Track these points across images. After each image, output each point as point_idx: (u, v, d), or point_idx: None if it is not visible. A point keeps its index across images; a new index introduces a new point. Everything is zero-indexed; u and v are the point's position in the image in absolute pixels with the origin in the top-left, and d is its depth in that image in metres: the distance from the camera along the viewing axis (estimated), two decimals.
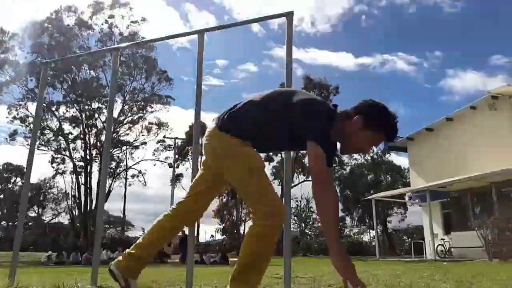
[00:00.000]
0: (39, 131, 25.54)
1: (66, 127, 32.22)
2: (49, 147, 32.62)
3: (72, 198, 36.14)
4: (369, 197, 20.50)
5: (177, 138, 33.46)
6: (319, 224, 35.92)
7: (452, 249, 15.58)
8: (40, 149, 31.16)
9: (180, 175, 37.52)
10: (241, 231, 36.55)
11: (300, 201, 37.33)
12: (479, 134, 14.93)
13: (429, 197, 15.07)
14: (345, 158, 37.82)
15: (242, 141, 2.03)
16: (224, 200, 38.28)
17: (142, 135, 34.44)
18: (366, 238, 37.01)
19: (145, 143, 35.10)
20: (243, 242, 1.98)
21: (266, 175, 2.06)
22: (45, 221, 42.18)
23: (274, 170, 37.68)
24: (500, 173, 12.69)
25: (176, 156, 33.98)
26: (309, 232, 35.32)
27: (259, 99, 2.08)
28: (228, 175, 2.07)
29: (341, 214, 36.86)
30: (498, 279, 3.69)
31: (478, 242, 10.95)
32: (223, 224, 38.23)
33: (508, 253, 9.62)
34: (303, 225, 35.75)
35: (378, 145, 2.20)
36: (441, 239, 16.07)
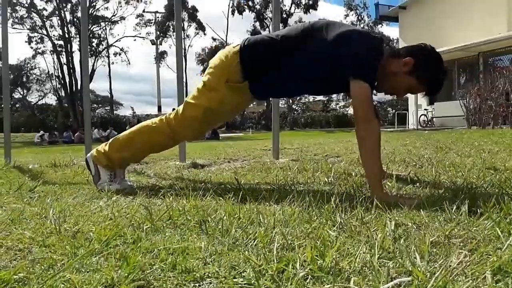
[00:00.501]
0: (10, 8, 23.83)
1: (38, 2, 30.03)
2: (23, 26, 30.82)
3: (56, 79, 35.53)
4: None
5: (157, 12, 31.72)
6: (307, 102, 36.50)
7: (434, 119, 16.20)
8: (14, 28, 29.49)
9: (164, 52, 36.50)
10: None
11: None
12: (471, 3, 14.41)
13: None
14: None
15: (238, 84, 1.94)
16: None
17: (120, 8, 32.46)
18: (351, 111, 37.99)
19: (123, 18, 33.30)
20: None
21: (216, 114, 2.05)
22: (32, 103, 42.02)
23: None
24: (488, 42, 12.57)
25: (158, 32, 32.61)
26: (296, 108, 36.02)
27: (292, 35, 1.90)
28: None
29: None
30: (477, 145, 3.89)
31: (460, 111, 11.31)
32: None
33: (487, 121, 10.05)
34: (290, 101, 36.25)
35: (414, 93, 2.00)
36: (424, 109, 16.59)
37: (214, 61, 2.03)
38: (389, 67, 1.80)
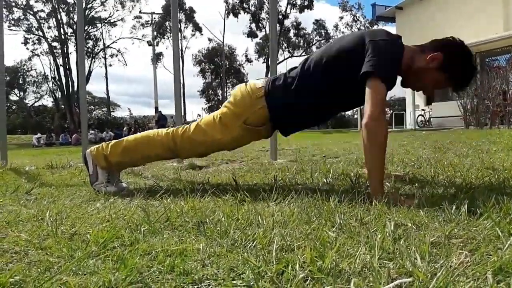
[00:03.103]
0: (5, 9, 23.76)
1: (35, 3, 29.99)
2: (19, 27, 30.76)
3: (53, 80, 35.44)
4: None
5: (154, 13, 31.70)
6: None
7: (431, 119, 16.23)
8: (10, 29, 29.42)
9: (161, 54, 36.48)
10: None
11: None
12: (468, 3, 14.46)
13: None
14: (331, 31, 36.86)
15: (255, 127, 1.93)
16: (209, 79, 38.04)
17: (117, 11, 32.46)
18: (349, 112, 38.07)
19: (121, 19, 33.32)
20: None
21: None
22: (29, 105, 41.89)
23: (257, 47, 36.80)
24: (485, 42, 12.61)
25: (155, 33, 32.59)
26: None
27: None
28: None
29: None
30: (474, 145, 3.90)
31: (457, 112, 11.33)
32: (209, 103, 38.64)
33: (484, 121, 10.07)
34: None
35: (441, 89, 1.94)
36: (422, 109, 16.62)
37: (235, 95, 1.98)
38: (416, 63, 1.75)
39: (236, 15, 34.61)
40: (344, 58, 1.77)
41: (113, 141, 2.12)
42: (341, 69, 1.77)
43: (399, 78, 1.83)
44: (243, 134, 1.96)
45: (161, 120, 20.26)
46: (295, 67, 1.98)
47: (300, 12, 34.40)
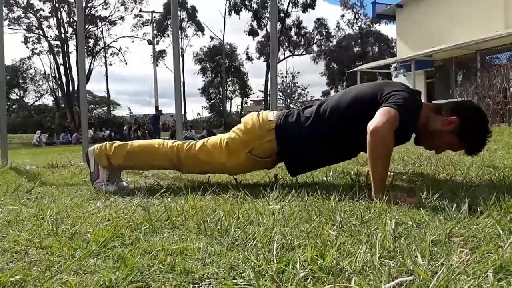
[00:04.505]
0: (5, 7, 23.77)
1: (35, 2, 30.00)
2: (20, 26, 30.77)
3: (53, 79, 35.45)
4: (354, 69, 20.52)
5: (154, 11, 31.69)
6: (305, 101, 36.57)
7: None
8: (10, 28, 29.44)
9: (163, 51, 36.46)
10: (228, 108, 37.20)
11: (286, 77, 37.37)
12: (468, 1, 14.43)
13: (414, 66, 15.15)
14: (331, 30, 36.84)
15: (261, 159, 1.93)
16: (210, 78, 38.06)
17: (118, 11, 32.48)
18: None
19: (121, 18, 33.31)
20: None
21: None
22: (29, 104, 41.90)
23: (259, 46, 36.79)
24: (485, 40, 12.59)
25: (155, 32, 32.57)
26: (294, 107, 36.06)
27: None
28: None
29: (326, 88, 37.34)
30: None
31: None
32: (210, 102, 38.64)
33: None
34: (288, 100, 36.32)
35: (455, 151, 1.96)
36: None
37: (246, 123, 1.96)
38: (431, 123, 1.75)
39: (237, 12, 34.58)
40: (361, 108, 1.76)
41: (117, 143, 2.12)
42: (357, 118, 1.74)
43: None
44: (246, 162, 1.95)
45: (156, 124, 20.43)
46: (310, 106, 1.97)
47: (303, 11, 34.37)
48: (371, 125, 1.57)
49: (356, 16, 36.40)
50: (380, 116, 1.58)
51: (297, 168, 2.01)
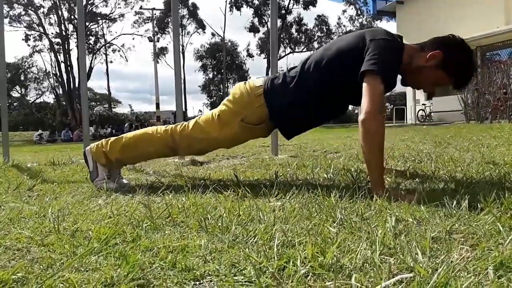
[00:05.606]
0: (6, 5, 23.74)
1: None
2: (20, 23, 30.74)
3: (54, 77, 35.44)
4: None
5: (154, 8, 31.65)
6: None
7: (432, 113, 16.19)
8: (12, 25, 29.41)
9: (164, 49, 36.39)
10: None
11: None
12: None
13: None
14: (332, 27, 36.75)
15: (253, 125, 1.93)
16: (210, 75, 38.00)
17: (119, 7, 32.41)
18: (350, 107, 38.01)
19: (122, 15, 33.24)
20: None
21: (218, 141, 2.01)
22: (30, 101, 41.91)
23: (259, 42, 36.72)
24: (486, 36, 12.56)
25: (156, 29, 32.53)
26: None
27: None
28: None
29: None
30: (475, 139, 3.89)
31: (458, 106, 11.30)
32: (211, 99, 38.60)
33: (485, 115, 10.05)
34: None
35: (441, 86, 1.90)
36: (423, 104, 16.58)
37: (234, 93, 1.98)
38: (415, 61, 1.75)
39: (238, 8, 34.48)
40: (344, 58, 1.76)
41: (112, 138, 2.12)
42: (341, 68, 1.77)
43: (399, 77, 1.82)
44: (240, 132, 1.95)
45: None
46: (295, 67, 1.98)
47: (305, 9, 34.27)
48: (360, 114, 1.59)
49: (358, 12, 36.32)
50: (366, 100, 1.59)
51: (290, 130, 2.01)
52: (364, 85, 1.62)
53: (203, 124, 1.99)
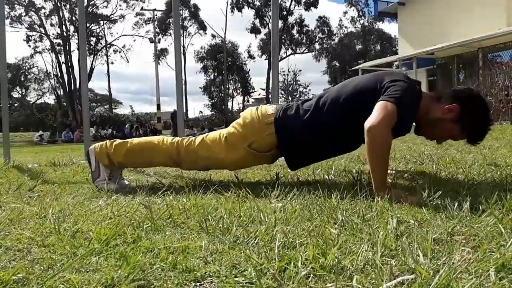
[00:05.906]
0: (7, 6, 23.82)
1: (37, 0, 30.04)
2: (21, 24, 30.82)
3: (55, 78, 35.50)
4: (356, 67, 20.51)
5: (155, 9, 31.70)
6: (305, 98, 36.54)
7: None
8: (13, 26, 29.49)
9: (165, 50, 36.44)
10: (229, 107, 37.19)
11: (287, 75, 37.35)
12: None
13: (416, 64, 15.14)
14: (334, 28, 36.77)
15: (259, 153, 1.92)
16: (212, 76, 38.06)
17: (120, 9, 32.52)
18: None
19: (123, 16, 33.32)
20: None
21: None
22: (31, 102, 41.96)
23: (261, 43, 36.75)
24: (488, 37, 12.55)
25: (157, 30, 32.58)
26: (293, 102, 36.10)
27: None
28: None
29: (327, 86, 37.27)
30: None
31: None
32: (212, 100, 38.64)
33: None
34: (290, 98, 36.27)
35: (455, 140, 1.92)
36: None
37: (245, 117, 1.96)
38: (432, 112, 1.73)
39: (240, 9, 34.52)
40: (362, 96, 1.75)
41: (118, 141, 2.12)
42: (357, 108, 1.73)
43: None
44: (246, 157, 1.94)
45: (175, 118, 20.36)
46: (309, 99, 1.97)
47: (306, 10, 34.29)
48: (368, 123, 1.56)
49: (360, 14, 36.35)
50: (376, 113, 1.57)
51: (297, 162, 2.00)
52: (377, 103, 1.61)
53: (210, 143, 1.98)
